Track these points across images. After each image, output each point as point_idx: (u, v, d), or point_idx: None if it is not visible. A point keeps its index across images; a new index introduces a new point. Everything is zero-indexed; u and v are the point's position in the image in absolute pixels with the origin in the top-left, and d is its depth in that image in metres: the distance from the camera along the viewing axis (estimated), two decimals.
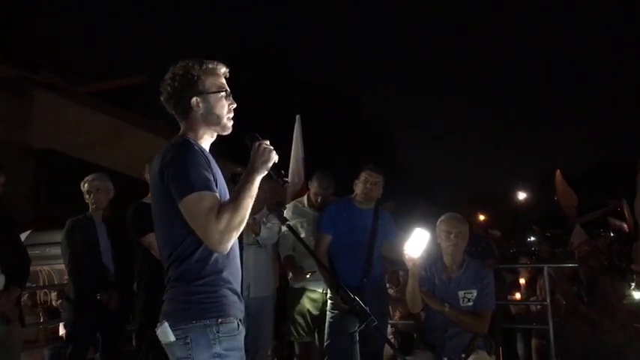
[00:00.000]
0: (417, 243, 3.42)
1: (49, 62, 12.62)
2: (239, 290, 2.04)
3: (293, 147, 5.58)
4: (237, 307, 2.01)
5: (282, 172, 2.10)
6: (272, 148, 2.02)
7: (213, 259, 1.95)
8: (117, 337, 4.11)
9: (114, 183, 4.26)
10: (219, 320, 1.92)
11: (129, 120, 12.70)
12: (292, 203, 4.56)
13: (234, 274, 2.03)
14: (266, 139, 2.04)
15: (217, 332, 1.91)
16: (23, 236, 6.99)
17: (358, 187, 4.05)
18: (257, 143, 2.02)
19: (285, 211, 2.67)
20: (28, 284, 6.37)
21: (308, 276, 4.13)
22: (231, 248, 1.99)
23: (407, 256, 3.45)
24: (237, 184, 1.98)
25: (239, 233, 1.94)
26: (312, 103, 21.61)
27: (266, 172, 2.01)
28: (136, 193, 4.01)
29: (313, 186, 4.41)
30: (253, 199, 1.96)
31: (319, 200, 4.37)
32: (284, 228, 4.04)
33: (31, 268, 6.66)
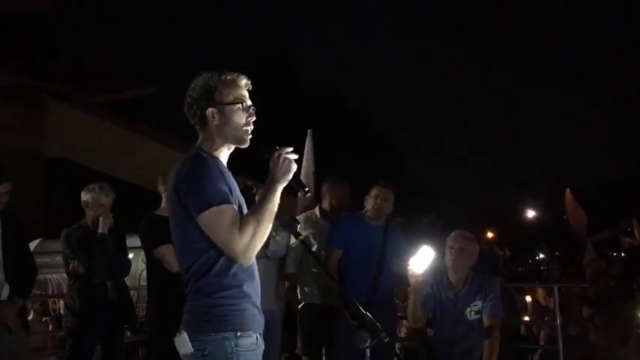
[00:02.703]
0: (421, 260, 3.43)
1: (62, 73, 12.78)
2: (259, 304, 2.03)
3: (304, 161, 5.61)
4: (257, 321, 2.00)
5: (302, 181, 2.10)
6: (291, 158, 1.99)
7: (232, 272, 1.94)
8: (118, 349, 4.08)
9: (125, 193, 4.28)
10: (238, 334, 1.91)
11: (139, 131, 12.81)
12: (304, 214, 4.58)
13: (254, 287, 2.01)
14: (287, 147, 2.00)
15: (235, 346, 1.89)
16: (33, 244, 7.06)
17: (369, 203, 4.07)
18: (276, 154, 1.98)
19: (299, 226, 2.67)
20: (37, 292, 6.42)
21: None
22: (252, 262, 1.99)
23: (410, 272, 3.46)
24: (259, 196, 1.97)
25: (262, 244, 1.94)
26: (319, 115, 21.70)
27: (286, 183, 1.99)
28: (146, 204, 4.04)
29: (329, 194, 4.44)
30: (275, 209, 1.95)
31: (334, 203, 4.40)
32: (292, 240, 4.07)
33: (41, 276, 6.74)
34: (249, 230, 1.88)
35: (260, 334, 2.01)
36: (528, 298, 6.60)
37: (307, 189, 2.16)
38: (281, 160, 1.97)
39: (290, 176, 1.98)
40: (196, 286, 1.94)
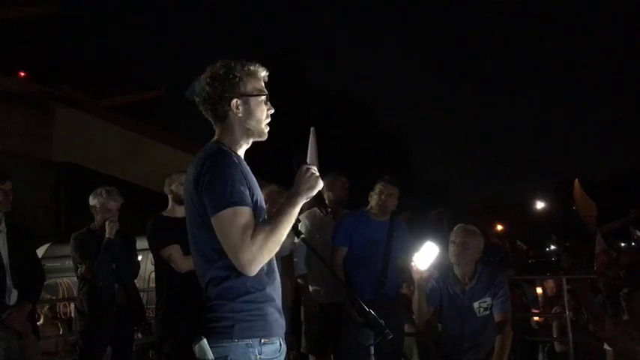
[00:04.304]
0: (425, 256, 3.42)
1: (69, 77, 12.86)
2: (280, 306, 1.95)
3: (308, 159, 5.60)
4: (280, 325, 1.93)
5: (326, 202, 2.05)
6: (318, 175, 1.93)
7: (256, 274, 1.84)
8: (127, 350, 4.13)
9: (133, 195, 4.30)
10: (263, 340, 1.84)
11: (147, 133, 12.86)
12: (308, 212, 4.58)
13: (276, 289, 1.94)
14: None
15: (259, 354, 1.82)
16: (43, 249, 7.13)
17: (373, 199, 4.07)
18: (305, 167, 1.92)
19: (300, 224, 2.68)
20: (48, 296, 6.48)
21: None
22: (271, 263, 1.91)
23: (414, 268, 3.44)
24: (279, 206, 1.89)
25: (271, 257, 1.85)
26: (328, 114, 21.68)
27: (308, 199, 1.92)
28: (155, 206, 4.06)
29: (325, 189, 4.45)
30: (292, 222, 1.87)
31: (332, 197, 4.40)
32: (296, 240, 4.07)
33: (51, 280, 6.80)
34: (260, 239, 1.78)
35: (283, 339, 1.94)
36: (539, 290, 6.56)
37: (329, 210, 2.11)
38: (309, 174, 1.91)
39: (314, 193, 1.92)
40: (218, 290, 1.84)
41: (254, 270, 1.81)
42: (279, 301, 1.94)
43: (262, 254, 1.79)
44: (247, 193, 1.85)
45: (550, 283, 6.33)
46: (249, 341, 1.81)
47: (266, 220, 1.87)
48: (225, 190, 1.80)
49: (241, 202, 1.81)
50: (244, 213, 1.80)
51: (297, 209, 1.88)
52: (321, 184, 1.93)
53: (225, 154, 1.89)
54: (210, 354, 1.80)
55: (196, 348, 1.83)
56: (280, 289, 1.98)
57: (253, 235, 1.78)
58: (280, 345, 1.91)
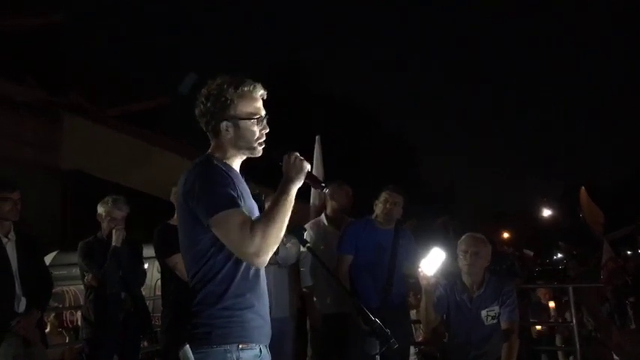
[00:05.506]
0: (432, 262, 3.42)
1: (76, 86, 12.95)
2: (266, 313, 1.99)
3: (313, 168, 5.62)
4: (262, 332, 1.97)
5: (318, 178, 2.08)
6: (302, 158, 1.99)
7: (237, 280, 1.91)
8: (134, 358, 4.14)
9: (139, 204, 4.32)
10: (240, 346, 1.89)
11: (154, 141, 12.92)
12: (312, 222, 4.59)
13: (259, 296, 1.97)
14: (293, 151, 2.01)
15: (237, 358, 1.88)
16: (50, 257, 7.17)
17: (378, 208, 4.08)
18: (287, 155, 1.98)
19: (305, 233, 2.66)
20: (54, 304, 6.50)
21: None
22: (257, 270, 1.96)
23: (421, 274, 3.44)
24: (273, 196, 1.94)
25: (277, 245, 1.88)
26: (333, 120, 21.72)
27: (302, 182, 1.98)
28: (161, 214, 4.08)
29: (331, 201, 4.45)
30: (290, 209, 1.91)
31: (336, 206, 4.40)
32: (302, 248, 4.07)
33: (58, 289, 6.82)
34: (260, 230, 1.83)
35: (265, 346, 1.98)
36: (552, 304, 6.53)
37: (324, 184, 2.13)
38: (292, 159, 1.97)
39: (304, 175, 1.98)
40: (200, 295, 1.92)
41: (263, 260, 1.88)
42: (262, 308, 1.98)
43: (267, 244, 1.84)
44: (236, 194, 1.91)
45: (542, 291, 6.30)
46: (227, 347, 1.88)
47: (262, 213, 1.94)
48: (215, 195, 1.87)
49: (231, 204, 1.87)
50: (237, 212, 1.87)
51: (292, 195, 1.94)
52: (307, 165, 1.99)
53: (210, 163, 1.98)
54: (192, 359, 1.87)
55: (180, 354, 1.90)
56: (266, 296, 2.02)
57: (253, 229, 1.83)
58: (261, 351, 1.95)
